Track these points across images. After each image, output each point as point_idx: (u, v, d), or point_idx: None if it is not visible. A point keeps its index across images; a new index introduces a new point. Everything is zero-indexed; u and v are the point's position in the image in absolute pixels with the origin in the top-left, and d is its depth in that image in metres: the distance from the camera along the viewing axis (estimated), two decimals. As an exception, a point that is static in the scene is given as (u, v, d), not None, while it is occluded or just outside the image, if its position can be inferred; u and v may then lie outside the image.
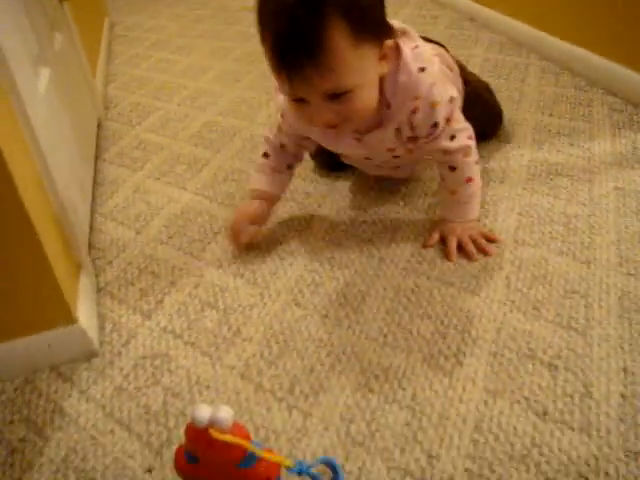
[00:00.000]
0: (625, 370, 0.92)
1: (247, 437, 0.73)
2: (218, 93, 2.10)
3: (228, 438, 0.70)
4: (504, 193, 1.36)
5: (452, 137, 1.14)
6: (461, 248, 1.20)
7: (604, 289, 1.07)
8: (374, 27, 0.97)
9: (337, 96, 0.97)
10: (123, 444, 0.93)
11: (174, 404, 0.98)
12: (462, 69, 1.42)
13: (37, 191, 1.03)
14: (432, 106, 1.07)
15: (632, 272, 1.09)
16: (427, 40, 1.22)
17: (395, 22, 1.07)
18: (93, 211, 1.50)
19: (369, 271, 1.19)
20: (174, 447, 0.90)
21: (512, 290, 1.09)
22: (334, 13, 0.90)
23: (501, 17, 2.28)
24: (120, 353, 1.09)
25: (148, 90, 2.21)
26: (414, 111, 1.08)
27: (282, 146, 1.29)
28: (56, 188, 1.12)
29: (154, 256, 1.32)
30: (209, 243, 1.34)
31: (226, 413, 0.71)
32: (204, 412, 0.71)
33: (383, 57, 1.01)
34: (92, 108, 1.93)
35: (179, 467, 0.77)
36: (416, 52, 1.07)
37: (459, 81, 1.36)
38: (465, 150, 1.16)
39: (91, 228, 1.43)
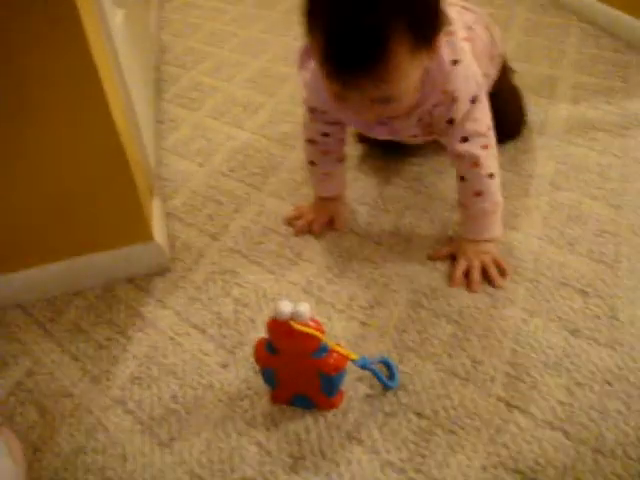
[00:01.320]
0: (649, 298, 1.04)
1: (322, 331, 0.84)
2: (268, 41, 2.19)
3: (306, 329, 0.82)
4: (543, 143, 1.46)
5: (464, 139, 1.06)
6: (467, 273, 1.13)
7: (633, 230, 1.18)
8: (434, 29, 0.91)
9: (383, 100, 0.93)
10: (199, 344, 1.06)
11: (244, 312, 1.10)
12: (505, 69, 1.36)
13: (123, 117, 1.14)
14: (453, 101, 1.02)
15: (660, 217, 1.20)
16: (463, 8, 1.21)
17: None
18: (156, 146, 1.61)
19: (418, 205, 1.30)
20: (246, 348, 1.03)
21: (549, 227, 1.20)
22: (400, 21, 0.83)
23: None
24: (191, 269, 1.21)
25: (200, 36, 2.30)
26: (437, 104, 1.03)
27: (325, 134, 1.20)
28: (136, 116, 1.23)
29: (218, 186, 1.43)
30: (269, 177, 1.45)
31: (305, 308, 0.82)
32: (286, 307, 0.82)
33: (431, 53, 0.94)
34: (150, 51, 2.02)
35: (259, 357, 0.89)
36: (450, 41, 0.99)
37: (496, 48, 1.28)
38: (474, 159, 1.06)
39: (156, 161, 1.54)
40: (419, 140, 1.23)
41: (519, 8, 2.23)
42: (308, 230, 1.27)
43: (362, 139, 1.49)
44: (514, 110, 1.47)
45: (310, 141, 1.23)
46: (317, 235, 1.25)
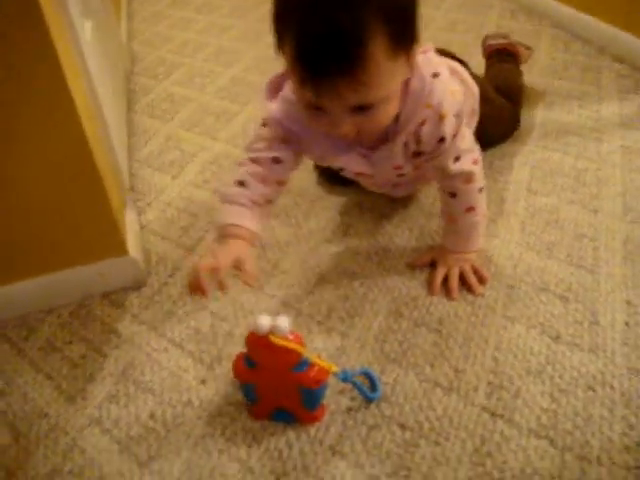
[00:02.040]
0: (628, 302, 1.04)
1: (302, 344, 0.83)
2: (241, 50, 2.17)
3: (286, 343, 0.80)
4: (518, 149, 1.46)
5: (457, 158, 1.03)
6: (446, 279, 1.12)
7: (610, 234, 1.18)
8: (411, 34, 0.86)
9: (362, 108, 0.86)
10: (177, 360, 1.04)
11: (221, 326, 1.08)
12: (482, 86, 1.29)
13: (94, 129, 1.12)
14: (441, 118, 0.96)
15: (636, 220, 1.20)
16: (447, 55, 1.18)
17: None
18: (129, 158, 1.59)
19: (395, 215, 1.29)
20: (224, 363, 1.01)
21: (527, 233, 1.20)
22: (376, 19, 0.77)
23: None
24: (167, 283, 1.19)
25: (171, 46, 2.29)
26: (422, 122, 0.97)
27: (276, 160, 1.03)
28: (107, 128, 1.21)
29: (191, 198, 1.42)
30: (243, 188, 1.42)
31: (284, 321, 0.81)
32: (265, 320, 0.80)
33: (410, 62, 0.89)
34: (120, 61, 2.00)
35: (238, 372, 0.87)
36: (426, 57, 0.96)
37: (476, 98, 1.25)
38: (467, 176, 1.05)
39: (129, 173, 1.52)
40: (402, 177, 1.13)
41: (490, 14, 2.24)
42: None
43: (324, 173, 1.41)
44: (502, 124, 1.48)
45: (265, 152, 1.04)
46: (294, 248, 1.24)
